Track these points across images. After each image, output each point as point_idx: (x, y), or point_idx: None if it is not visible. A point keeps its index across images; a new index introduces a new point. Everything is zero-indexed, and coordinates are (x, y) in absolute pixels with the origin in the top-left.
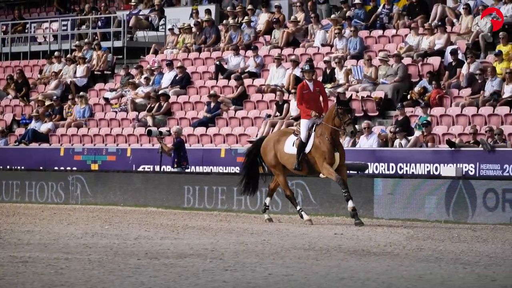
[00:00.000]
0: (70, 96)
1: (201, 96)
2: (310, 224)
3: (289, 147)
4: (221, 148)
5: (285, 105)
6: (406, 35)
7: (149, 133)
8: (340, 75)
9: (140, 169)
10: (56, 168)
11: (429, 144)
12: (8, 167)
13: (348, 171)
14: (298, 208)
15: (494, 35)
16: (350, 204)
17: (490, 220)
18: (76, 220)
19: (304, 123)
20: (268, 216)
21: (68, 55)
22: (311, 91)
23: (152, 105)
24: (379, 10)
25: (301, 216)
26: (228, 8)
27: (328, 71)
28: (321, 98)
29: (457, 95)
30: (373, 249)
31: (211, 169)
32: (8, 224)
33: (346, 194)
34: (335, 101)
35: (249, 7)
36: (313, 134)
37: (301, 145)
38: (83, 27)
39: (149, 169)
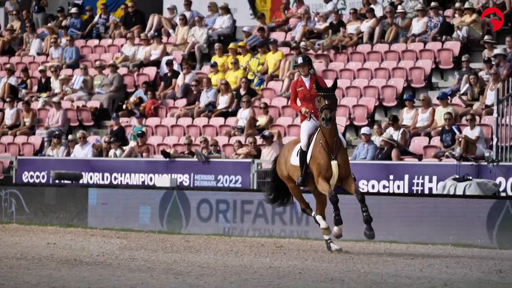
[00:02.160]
0: None
1: None
2: (328, 234)
3: (295, 157)
4: None
5: (0, 114)
6: (122, 45)
7: None
8: (55, 84)
9: None
10: None
11: (144, 154)
12: None
13: (63, 181)
14: (313, 213)
15: (210, 46)
16: (336, 230)
17: (204, 230)
18: None
19: (303, 127)
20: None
21: None
22: (306, 88)
23: None
24: (95, 19)
25: (317, 222)
26: None
27: (43, 80)
28: None
29: (172, 106)
30: (86, 259)
31: None
32: None
33: (336, 217)
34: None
35: None
36: (313, 139)
37: (302, 155)
38: None
39: None
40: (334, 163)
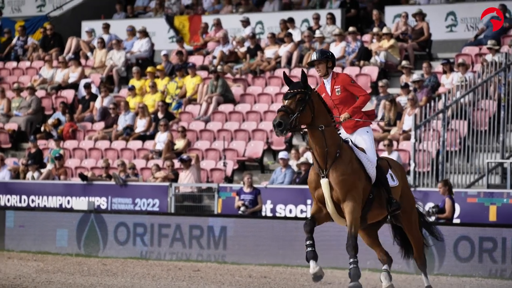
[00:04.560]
0: None
1: None
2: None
3: None
4: None
5: None
6: (40, 68)
7: None
8: None
9: None
10: None
11: (62, 177)
12: None
13: None
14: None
15: (128, 69)
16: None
17: (121, 254)
18: None
19: None
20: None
21: None
22: (327, 93)
23: None
24: (13, 41)
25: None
26: None
27: None
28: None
29: (90, 129)
30: (2, 282)
31: None
32: None
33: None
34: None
35: None
36: None
37: None
38: None
39: None
40: (323, 182)
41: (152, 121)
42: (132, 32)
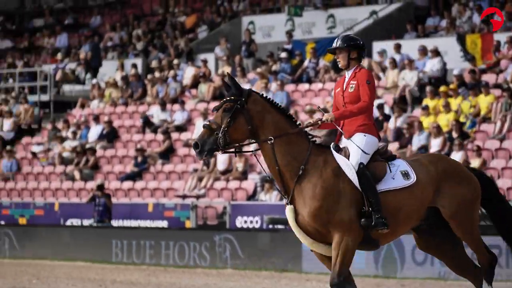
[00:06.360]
0: None
1: (128, 150)
2: None
3: None
4: (148, 203)
5: (212, 159)
6: (332, 89)
7: None
8: None
9: (68, 223)
10: None
11: None
12: None
13: (277, 225)
14: None
15: (421, 89)
16: None
17: (419, 274)
18: (3, 274)
19: None
20: None
21: None
22: (342, 88)
23: (79, 159)
24: (305, 64)
25: None
26: (154, 62)
27: None
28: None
29: None
30: None
31: (138, 224)
32: None
33: None
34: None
35: (175, 61)
36: None
37: None
38: (10, 80)
39: (77, 224)
40: (287, 210)
41: (446, 141)
42: (423, 51)
